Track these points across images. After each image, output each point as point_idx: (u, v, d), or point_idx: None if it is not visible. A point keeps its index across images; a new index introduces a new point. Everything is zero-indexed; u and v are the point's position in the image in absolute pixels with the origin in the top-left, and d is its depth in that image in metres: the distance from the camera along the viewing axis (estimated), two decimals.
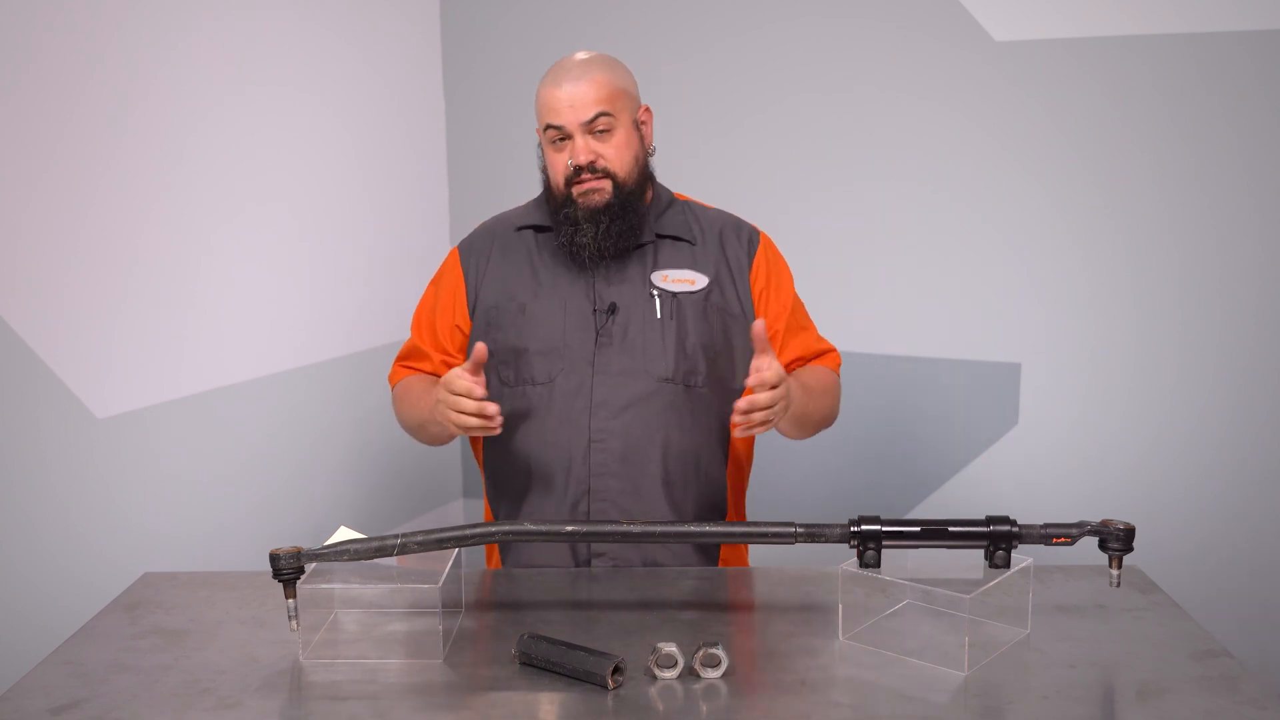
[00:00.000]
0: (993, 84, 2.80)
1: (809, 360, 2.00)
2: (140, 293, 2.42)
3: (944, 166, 2.86)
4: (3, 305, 2.15)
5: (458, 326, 2.00)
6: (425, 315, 2.05)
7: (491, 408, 1.73)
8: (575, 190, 1.88)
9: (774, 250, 2.02)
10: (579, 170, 1.86)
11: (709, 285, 1.94)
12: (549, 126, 1.87)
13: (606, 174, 1.87)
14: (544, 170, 1.96)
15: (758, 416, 1.69)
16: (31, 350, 2.20)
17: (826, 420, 1.97)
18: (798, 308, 2.02)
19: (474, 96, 3.34)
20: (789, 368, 1.96)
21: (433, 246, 3.33)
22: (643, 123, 1.95)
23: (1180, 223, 2.70)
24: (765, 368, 1.69)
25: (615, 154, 1.88)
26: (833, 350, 2.03)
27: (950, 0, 2.80)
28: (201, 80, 2.55)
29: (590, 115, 1.85)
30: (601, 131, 1.87)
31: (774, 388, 1.69)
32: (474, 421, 1.73)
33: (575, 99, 1.85)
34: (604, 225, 1.87)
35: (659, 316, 1.90)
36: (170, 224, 2.49)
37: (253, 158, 2.69)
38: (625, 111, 1.89)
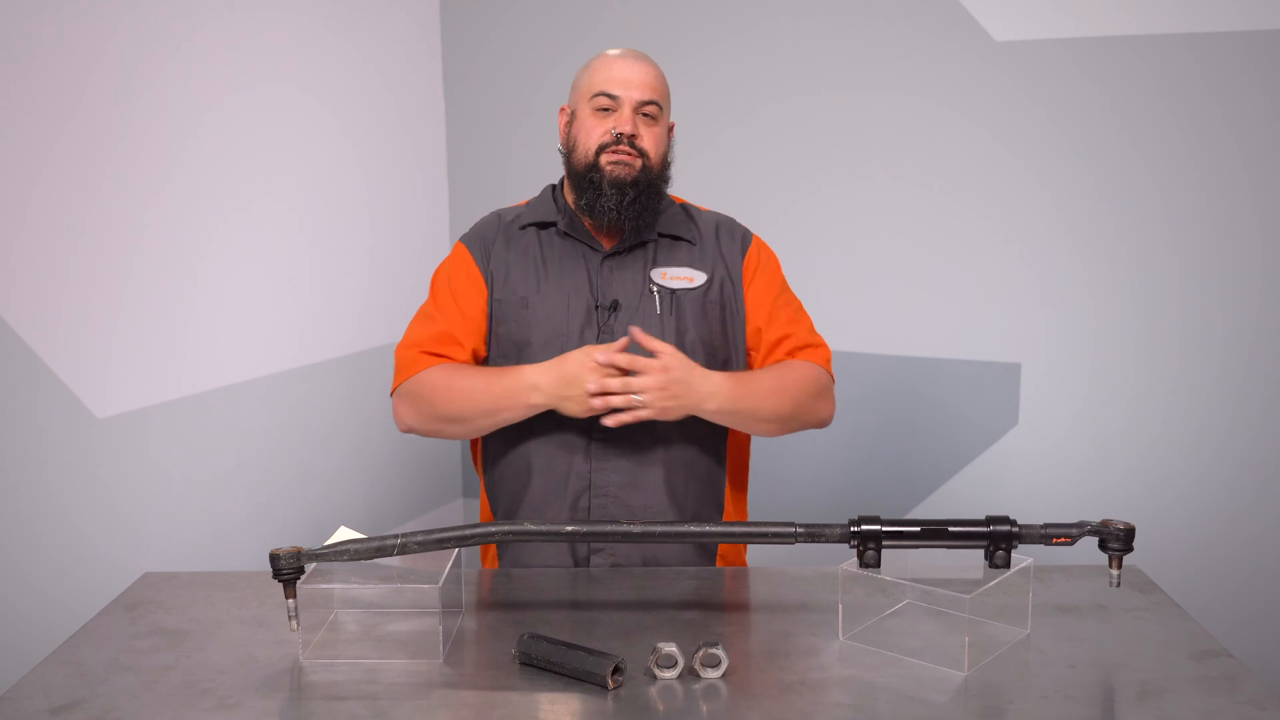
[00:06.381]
0: (993, 84, 2.80)
1: (792, 352, 1.98)
2: (140, 293, 2.42)
3: (944, 166, 2.86)
4: (3, 305, 2.15)
5: (483, 311, 1.97)
6: (445, 300, 1.96)
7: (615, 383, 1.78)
8: (605, 159, 1.89)
9: (765, 248, 2.05)
10: (619, 139, 1.89)
11: (707, 282, 1.96)
12: (601, 94, 1.90)
13: (641, 154, 1.90)
14: (564, 148, 1.96)
15: (615, 388, 1.75)
16: (31, 350, 2.20)
17: (808, 415, 1.92)
18: (785, 303, 2.00)
19: (474, 96, 3.34)
20: (767, 358, 1.96)
21: (433, 246, 3.33)
22: (670, 134, 2.00)
23: (1180, 223, 2.70)
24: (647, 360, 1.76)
25: (653, 141, 1.93)
26: (821, 346, 1.99)
27: (950, 0, 2.80)
28: (201, 80, 2.55)
29: (646, 97, 1.91)
30: (647, 117, 1.92)
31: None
32: (600, 404, 1.79)
33: (636, 77, 1.91)
34: (629, 197, 1.89)
35: (658, 313, 1.92)
36: (170, 224, 2.49)
37: (253, 158, 2.69)
38: (666, 113, 1.96)
